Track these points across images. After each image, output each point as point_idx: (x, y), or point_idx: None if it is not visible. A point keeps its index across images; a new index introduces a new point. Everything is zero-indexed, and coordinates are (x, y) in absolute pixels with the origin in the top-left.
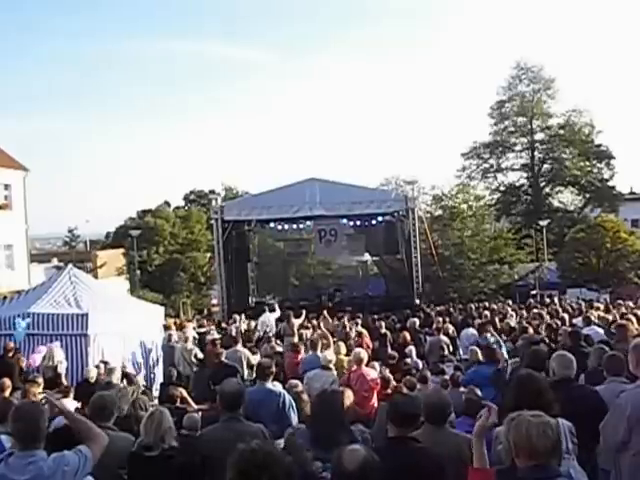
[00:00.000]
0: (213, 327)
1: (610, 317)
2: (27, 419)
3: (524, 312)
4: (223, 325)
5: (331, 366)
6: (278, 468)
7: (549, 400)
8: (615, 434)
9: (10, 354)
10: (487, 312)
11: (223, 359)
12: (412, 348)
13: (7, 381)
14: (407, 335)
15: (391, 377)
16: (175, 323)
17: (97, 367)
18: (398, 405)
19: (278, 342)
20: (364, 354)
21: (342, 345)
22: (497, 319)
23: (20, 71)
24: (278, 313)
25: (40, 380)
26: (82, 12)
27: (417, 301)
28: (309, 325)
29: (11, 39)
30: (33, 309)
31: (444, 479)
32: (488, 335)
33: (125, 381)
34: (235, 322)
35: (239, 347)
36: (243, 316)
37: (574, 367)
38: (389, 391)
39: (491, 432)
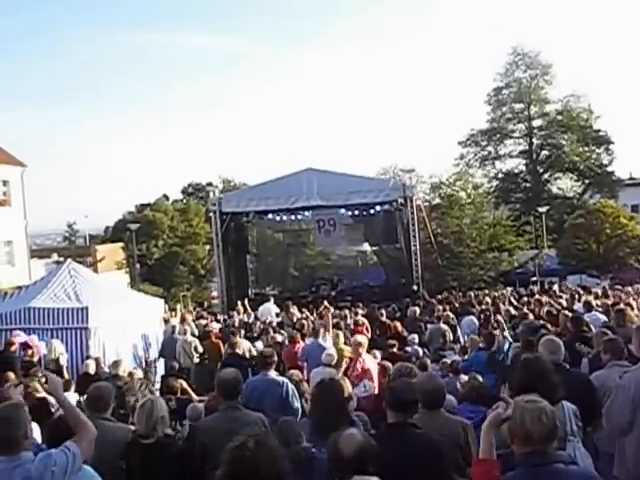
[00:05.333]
0: (214, 318)
1: (609, 302)
2: (6, 424)
3: (525, 298)
4: (224, 317)
5: (333, 363)
6: (269, 468)
7: (554, 383)
8: (620, 415)
9: (12, 348)
10: (488, 299)
11: (237, 350)
12: (415, 336)
13: (11, 375)
14: (398, 325)
15: (391, 365)
16: (174, 316)
17: (96, 359)
18: (395, 391)
19: (280, 331)
20: (363, 340)
21: (341, 334)
22: (500, 304)
23: (16, 65)
24: (277, 308)
25: (39, 374)
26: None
27: (416, 289)
28: (309, 315)
29: (7, 35)
30: (33, 304)
31: (443, 464)
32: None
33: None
34: (239, 314)
35: (237, 339)
36: (245, 304)
37: (562, 352)
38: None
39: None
